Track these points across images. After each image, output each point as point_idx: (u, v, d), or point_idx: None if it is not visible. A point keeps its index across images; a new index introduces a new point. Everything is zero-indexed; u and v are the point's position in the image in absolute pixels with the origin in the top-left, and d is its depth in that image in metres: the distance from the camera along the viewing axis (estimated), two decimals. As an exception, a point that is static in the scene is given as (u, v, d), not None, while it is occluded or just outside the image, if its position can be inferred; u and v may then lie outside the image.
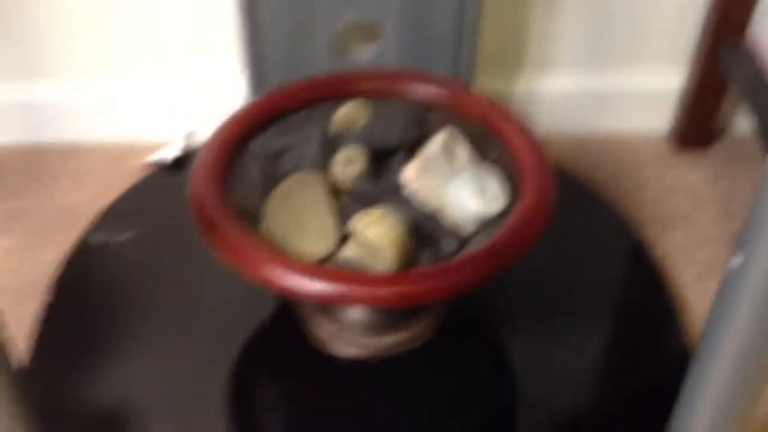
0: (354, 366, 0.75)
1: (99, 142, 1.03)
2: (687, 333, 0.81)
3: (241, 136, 0.75)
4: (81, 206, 0.93)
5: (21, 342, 0.77)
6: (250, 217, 0.69)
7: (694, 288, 0.86)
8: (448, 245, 0.68)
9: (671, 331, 0.82)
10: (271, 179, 0.73)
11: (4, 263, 0.88)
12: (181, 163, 0.97)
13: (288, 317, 0.79)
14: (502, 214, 0.69)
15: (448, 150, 0.72)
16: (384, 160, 0.74)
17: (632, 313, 0.85)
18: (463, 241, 0.69)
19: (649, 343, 0.81)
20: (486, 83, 0.93)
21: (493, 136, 0.76)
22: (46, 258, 0.87)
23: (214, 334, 0.79)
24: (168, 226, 0.88)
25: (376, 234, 0.63)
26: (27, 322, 0.79)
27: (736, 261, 0.51)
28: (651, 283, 0.87)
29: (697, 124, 1.02)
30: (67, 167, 1.00)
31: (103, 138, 1.03)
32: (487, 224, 0.69)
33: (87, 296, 0.83)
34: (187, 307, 0.81)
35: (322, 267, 0.64)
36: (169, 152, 0.98)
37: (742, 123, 1.05)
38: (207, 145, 0.73)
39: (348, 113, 0.77)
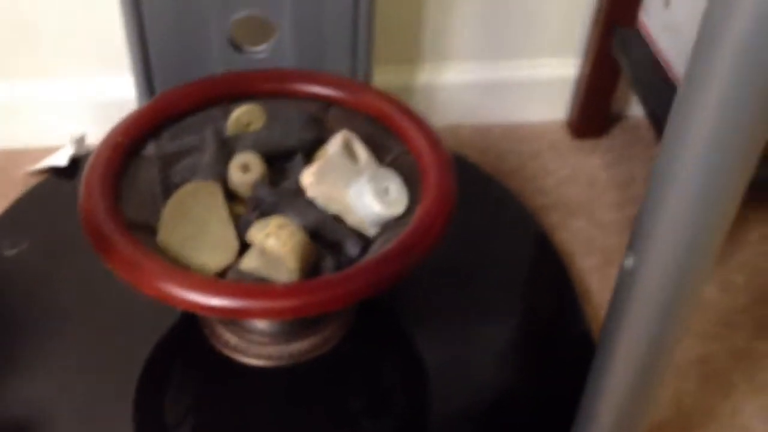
0: (262, 374, 0.74)
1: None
2: (591, 320, 0.82)
3: (132, 142, 0.72)
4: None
5: None
6: (144, 229, 0.66)
7: (595, 275, 0.89)
8: (352, 249, 0.67)
9: (576, 319, 0.83)
10: (166, 187, 0.71)
11: None
12: (71, 168, 0.93)
13: (194, 325, 0.76)
14: (404, 215, 0.68)
15: (346, 152, 0.71)
16: (281, 163, 0.73)
17: (538, 301, 0.86)
18: (367, 244, 0.68)
19: (556, 331, 0.83)
20: (384, 79, 0.93)
21: (393, 134, 0.75)
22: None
23: (118, 344, 0.76)
24: (63, 235, 0.84)
25: (276, 243, 0.61)
26: None
27: (628, 262, 0.52)
28: (555, 270, 0.89)
29: (593, 112, 1.04)
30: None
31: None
32: (390, 225, 0.68)
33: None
34: (89, 317, 0.78)
35: (220, 281, 0.62)
36: (59, 158, 0.93)
37: (638, 108, 1.08)
38: (96, 151, 0.70)
39: (243, 115, 0.75)
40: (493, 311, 0.83)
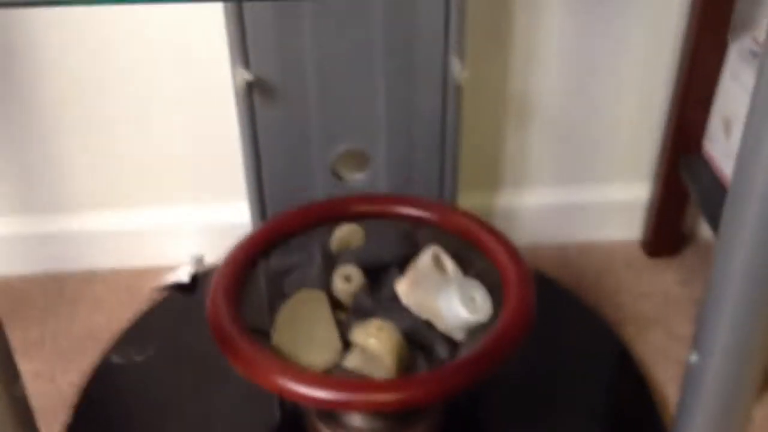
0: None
1: (114, 268, 1.10)
2: (668, 427, 0.86)
3: (249, 259, 0.83)
4: (100, 330, 1.00)
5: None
6: (261, 333, 0.76)
7: (672, 386, 0.93)
8: (441, 351, 0.75)
9: (655, 427, 0.87)
10: (278, 297, 0.80)
11: (29, 388, 0.93)
12: (192, 285, 1.04)
13: (297, 424, 0.84)
14: (489, 322, 0.76)
15: (436, 265, 0.80)
16: (379, 275, 0.82)
17: (618, 410, 0.91)
18: (455, 347, 0.76)
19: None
20: (467, 201, 1.02)
21: (477, 250, 0.84)
22: (68, 381, 0.93)
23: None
24: (181, 345, 0.95)
25: (376, 343, 0.70)
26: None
27: (693, 358, 0.58)
28: (634, 381, 0.94)
29: (665, 232, 1.10)
30: (86, 293, 1.07)
31: (118, 264, 1.11)
32: (475, 331, 0.76)
33: (106, 417, 0.88)
34: (202, 418, 0.87)
35: (327, 376, 0.71)
36: (180, 275, 1.05)
37: (708, 228, 1.14)
38: (220, 268, 0.81)
39: (345, 234, 0.85)
40: (575, 419, 0.88)
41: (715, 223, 0.94)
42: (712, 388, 0.58)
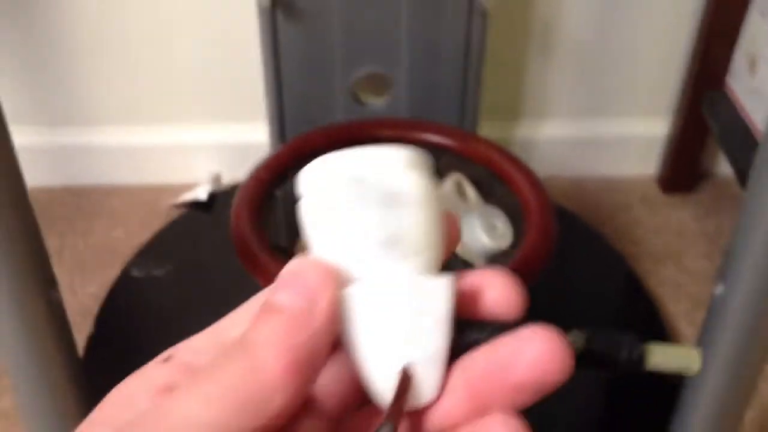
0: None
1: (132, 184, 1.11)
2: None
3: (272, 177, 0.83)
4: (117, 244, 1.01)
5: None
6: (284, 251, 0.76)
7: (684, 319, 0.94)
8: (461, 277, 0.76)
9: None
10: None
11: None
12: (209, 203, 1.05)
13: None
14: (509, 250, 0.76)
15: (457, 192, 0.80)
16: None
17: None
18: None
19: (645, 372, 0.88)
20: (486, 131, 1.02)
21: (498, 179, 0.84)
22: (88, 292, 0.94)
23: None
24: (200, 261, 0.96)
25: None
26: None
27: (719, 289, 0.58)
28: (646, 313, 0.95)
29: (682, 168, 1.11)
30: (104, 208, 1.08)
31: (136, 180, 1.11)
32: (496, 258, 0.77)
33: (127, 328, 0.90)
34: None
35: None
36: (198, 193, 1.05)
37: (725, 166, 1.14)
38: (243, 185, 0.81)
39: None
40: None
41: (734, 159, 0.94)
42: (737, 319, 0.59)
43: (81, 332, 0.88)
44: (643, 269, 1.00)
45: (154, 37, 1.01)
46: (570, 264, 0.96)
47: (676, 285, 0.98)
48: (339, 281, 0.23)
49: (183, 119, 1.09)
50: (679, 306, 0.96)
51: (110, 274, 0.96)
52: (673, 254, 1.03)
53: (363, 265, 0.24)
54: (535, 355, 0.23)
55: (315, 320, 0.22)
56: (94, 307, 0.92)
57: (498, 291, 0.25)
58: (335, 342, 0.23)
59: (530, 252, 0.74)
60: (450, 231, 0.26)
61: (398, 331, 0.23)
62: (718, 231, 1.06)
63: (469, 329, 0.24)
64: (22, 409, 0.62)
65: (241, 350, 0.22)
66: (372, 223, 0.24)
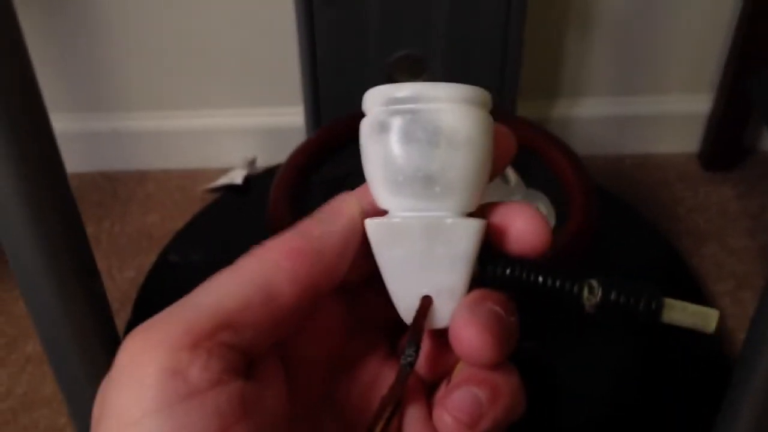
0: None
1: (166, 168, 1.10)
2: (723, 341, 0.86)
3: (308, 162, 0.82)
4: (153, 229, 1.01)
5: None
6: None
7: (727, 298, 0.92)
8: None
9: (710, 339, 0.87)
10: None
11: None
12: (244, 187, 1.04)
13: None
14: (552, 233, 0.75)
15: (500, 174, 0.79)
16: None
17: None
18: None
19: (690, 351, 0.87)
20: (524, 110, 1.00)
21: (541, 161, 0.83)
22: (126, 277, 0.95)
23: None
24: (237, 245, 0.95)
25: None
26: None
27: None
28: (688, 292, 0.93)
29: (724, 145, 1.08)
30: (139, 193, 1.08)
31: (170, 165, 1.11)
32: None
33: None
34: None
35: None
36: (234, 177, 1.05)
37: None
38: (281, 169, 0.80)
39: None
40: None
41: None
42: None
43: (120, 318, 0.89)
44: (685, 248, 0.99)
45: (190, 22, 1.00)
46: (610, 243, 0.94)
47: (718, 264, 0.97)
48: (366, 211, 0.26)
49: (218, 103, 1.08)
50: (722, 285, 0.94)
51: (147, 259, 0.96)
52: (716, 232, 1.01)
53: (397, 199, 0.25)
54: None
55: (324, 232, 0.25)
56: (131, 291, 0.92)
57: (523, 223, 0.26)
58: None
59: (575, 235, 0.73)
60: (504, 144, 0.27)
61: (413, 265, 0.25)
62: (762, 208, 1.04)
63: (492, 264, 0.26)
64: (65, 395, 0.62)
65: (252, 252, 0.26)
66: (412, 160, 0.25)
